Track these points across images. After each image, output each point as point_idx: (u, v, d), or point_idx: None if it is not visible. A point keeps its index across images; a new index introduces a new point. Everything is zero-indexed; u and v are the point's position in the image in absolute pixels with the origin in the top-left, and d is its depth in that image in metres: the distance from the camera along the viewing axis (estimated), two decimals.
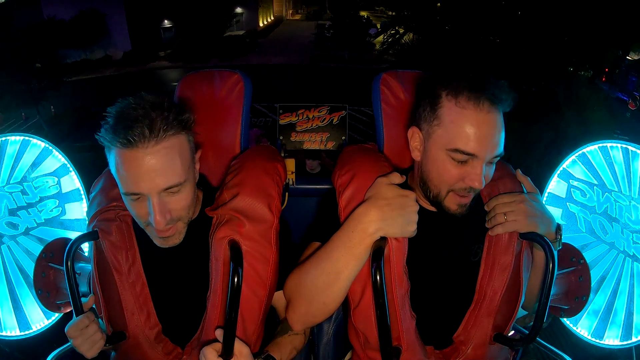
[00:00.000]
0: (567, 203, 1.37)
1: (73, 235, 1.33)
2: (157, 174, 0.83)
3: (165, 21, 17.70)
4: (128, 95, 0.86)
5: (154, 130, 0.81)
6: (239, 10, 22.85)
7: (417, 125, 0.96)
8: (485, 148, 0.87)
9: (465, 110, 0.87)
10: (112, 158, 0.85)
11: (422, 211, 0.92)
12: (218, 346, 0.85)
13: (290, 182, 1.42)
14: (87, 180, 1.21)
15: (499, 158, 0.91)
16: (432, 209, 0.99)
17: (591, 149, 1.32)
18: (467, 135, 0.87)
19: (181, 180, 0.86)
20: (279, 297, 1.02)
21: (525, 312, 1.12)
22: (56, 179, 1.34)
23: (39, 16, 13.22)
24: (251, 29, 23.07)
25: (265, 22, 27.45)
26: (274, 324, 1.03)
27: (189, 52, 16.66)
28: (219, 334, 0.86)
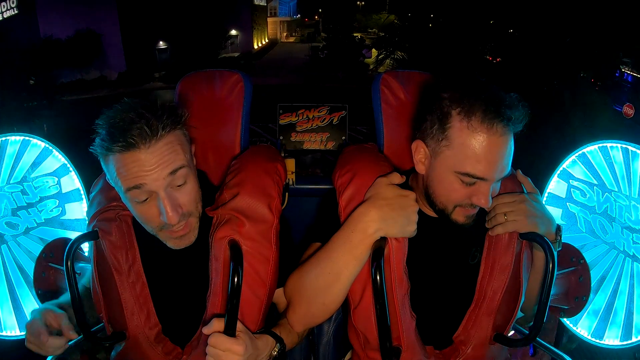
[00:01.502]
0: (567, 203, 1.37)
1: (73, 235, 1.33)
2: (161, 167, 0.83)
3: (161, 42, 17.62)
4: None
5: (153, 128, 0.81)
6: (233, 32, 22.95)
7: (423, 140, 0.93)
8: (494, 172, 0.86)
9: (477, 134, 0.83)
10: (111, 165, 0.83)
11: (421, 214, 0.92)
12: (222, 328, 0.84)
13: (290, 182, 1.42)
14: (87, 180, 1.21)
15: (507, 176, 0.90)
16: (432, 213, 0.99)
17: (591, 149, 1.32)
18: (477, 160, 0.84)
19: (184, 163, 0.86)
20: (279, 294, 1.02)
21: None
22: (56, 179, 1.35)
23: (36, 36, 13.29)
24: (246, 51, 23.25)
25: (260, 45, 27.60)
26: (274, 323, 1.03)
27: (184, 74, 16.24)
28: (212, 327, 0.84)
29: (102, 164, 0.87)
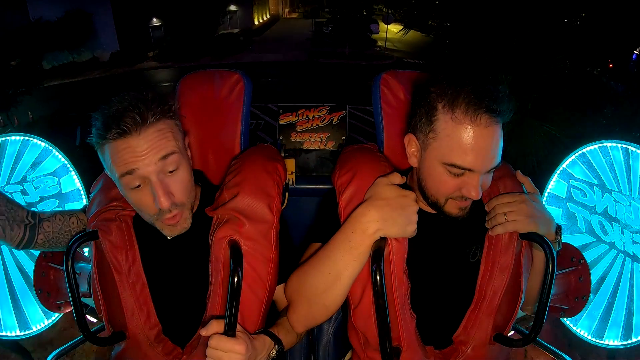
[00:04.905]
0: (567, 203, 1.37)
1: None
2: (152, 152, 0.85)
3: (154, 19, 17.01)
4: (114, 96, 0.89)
5: (144, 116, 0.85)
6: (232, 8, 22.17)
7: (414, 133, 0.94)
8: (481, 163, 0.86)
9: (462, 125, 0.84)
10: (107, 154, 0.86)
11: (421, 213, 0.92)
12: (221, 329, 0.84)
13: (290, 182, 1.42)
14: (87, 180, 1.21)
15: (496, 168, 0.90)
16: (431, 211, 0.99)
17: (591, 149, 1.32)
18: (463, 150, 0.85)
19: (175, 149, 0.88)
20: (279, 291, 1.02)
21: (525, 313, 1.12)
22: (56, 179, 1.34)
23: (25, 19, 12.95)
24: (246, 27, 22.52)
25: (261, 20, 26.90)
26: (273, 322, 1.03)
27: (179, 52, 16.11)
28: (213, 326, 0.85)
29: (99, 154, 0.90)
